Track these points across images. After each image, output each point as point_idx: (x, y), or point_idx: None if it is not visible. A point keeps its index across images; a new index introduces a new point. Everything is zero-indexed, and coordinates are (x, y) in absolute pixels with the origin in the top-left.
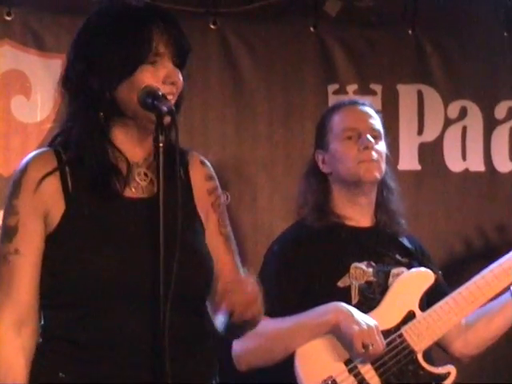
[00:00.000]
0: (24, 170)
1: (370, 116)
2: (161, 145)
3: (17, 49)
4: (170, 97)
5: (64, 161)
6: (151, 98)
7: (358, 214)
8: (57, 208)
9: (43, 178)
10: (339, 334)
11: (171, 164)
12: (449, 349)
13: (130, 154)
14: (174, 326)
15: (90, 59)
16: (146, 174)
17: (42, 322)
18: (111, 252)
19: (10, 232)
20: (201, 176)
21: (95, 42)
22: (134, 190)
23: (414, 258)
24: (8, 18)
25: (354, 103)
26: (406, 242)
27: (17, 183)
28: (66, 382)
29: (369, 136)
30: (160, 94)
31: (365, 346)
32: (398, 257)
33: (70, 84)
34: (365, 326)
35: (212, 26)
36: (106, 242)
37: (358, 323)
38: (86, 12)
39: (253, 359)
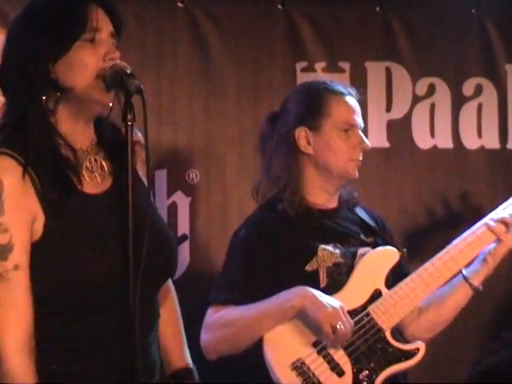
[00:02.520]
0: (0, 185)
1: (359, 111)
2: (129, 123)
3: None
4: None
5: (24, 164)
6: (119, 76)
7: (326, 198)
8: (39, 216)
9: (20, 184)
10: (305, 318)
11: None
12: (403, 332)
13: (77, 142)
14: (141, 312)
15: (24, 43)
16: (95, 160)
17: None
18: (94, 254)
19: (3, 250)
20: (136, 145)
21: (30, 25)
22: (89, 181)
23: (378, 236)
24: None
25: (350, 94)
26: (368, 219)
27: None
28: (59, 372)
29: (362, 134)
30: (128, 72)
31: (333, 328)
32: (362, 237)
33: (8, 76)
34: (330, 309)
35: (180, 5)
36: (85, 246)
37: (323, 306)
38: None
39: (221, 347)
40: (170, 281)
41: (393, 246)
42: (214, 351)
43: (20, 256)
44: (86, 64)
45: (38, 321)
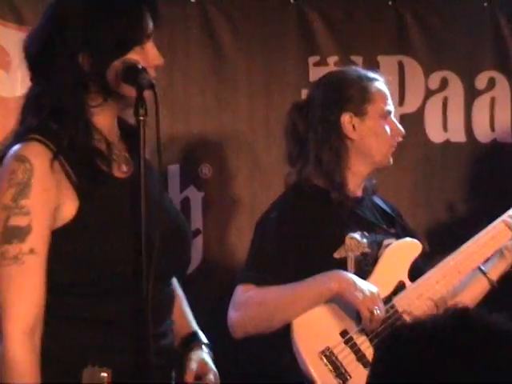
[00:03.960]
0: (29, 168)
1: None
2: (141, 118)
3: None
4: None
5: (56, 151)
6: (131, 71)
7: (357, 184)
8: (68, 201)
9: (49, 170)
10: (341, 303)
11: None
12: None
13: (108, 133)
14: (155, 300)
15: (84, 37)
16: (120, 152)
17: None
18: (120, 238)
19: (22, 232)
20: None
21: (89, 19)
22: (118, 169)
23: (398, 227)
24: None
25: (384, 80)
26: (387, 208)
27: (23, 183)
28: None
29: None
30: (140, 67)
31: (370, 312)
32: (385, 227)
33: (53, 61)
34: (368, 293)
35: (191, 0)
36: (116, 229)
37: (361, 290)
38: None
39: (250, 327)
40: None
41: (414, 237)
42: (243, 330)
43: (37, 241)
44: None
45: (63, 302)
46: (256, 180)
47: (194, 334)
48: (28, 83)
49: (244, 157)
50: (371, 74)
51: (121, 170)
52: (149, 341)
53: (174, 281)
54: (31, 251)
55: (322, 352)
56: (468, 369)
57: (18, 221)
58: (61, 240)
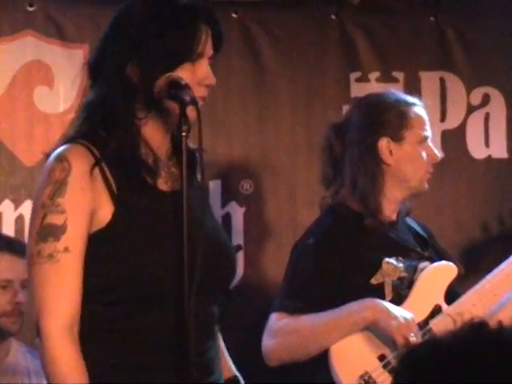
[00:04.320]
0: (67, 168)
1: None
2: (183, 134)
3: (39, 39)
4: (200, 102)
5: (99, 156)
6: (174, 88)
7: (392, 209)
8: (105, 206)
9: (88, 173)
10: (376, 330)
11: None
12: None
13: (156, 147)
14: (199, 317)
15: (134, 48)
16: (168, 166)
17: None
18: (159, 249)
19: (57, 231)
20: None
21: (142, 31)
22: (166, 184)
23: (432, 250)
24: (30, 9)
25: (422, 105)
26: (420, 230)
27: (61, 181)
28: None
29: (433, 146)
30: (183, 83)
31: (405, 339)
32: (420, 250)
33: (104, 70)
34: (403, 320)
35: (234, 15)
36: (153, 239)
37: (395, 318)
38: (108, 2)
39: (285, 355)
40: None
41: (449, 260)
42: (278, 358)
43: (72, 240)
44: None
45: (96, 311)
46: (297, 196)
47: (236, 381)
48: (70, 99)
49: (285, 173)
50: (410, 99)
51: (166, 183)
52: (190, 360)
53: None
54: (66, 250)
55: (361, 377)
56: (483, 382)
57: (53, 219)
58: (95, 245)
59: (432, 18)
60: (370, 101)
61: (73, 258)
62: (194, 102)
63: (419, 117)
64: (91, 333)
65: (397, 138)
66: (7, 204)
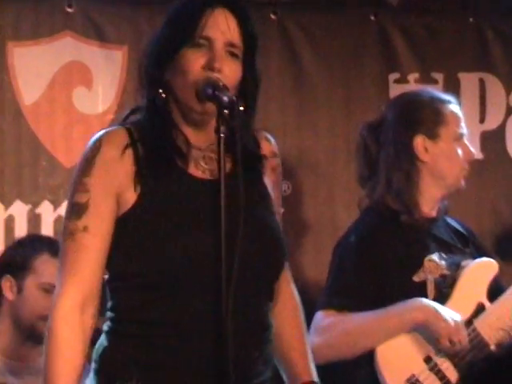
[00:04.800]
0: (97, 148)
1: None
2: (222, 135)
3: (78, 40)
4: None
5: (136, 139)
6: (211, 88)
7: (431, 206)
8: (132, 188)
9: (117, 156)
10: (422, 330)
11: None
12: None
13: (192, 137)
14: (240, 311)
15: (149, 43)
16: (210, 158)
17: (110, 304)
18: (187, 234)
19: (79, 209)
20: (266, 152)
21: (161, 25)
22: (198, 171)
23: (472, 247)
24: (69, 10)
25: (457, 103)
26: (460, 228)
27: (89, 161)
28: (137, 362)
29: (468, 143)
30: (222, 84)
31: (451, 343)
32: (461, 247)
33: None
34: (452, 323)
35: (272, 16)
36: (181, 223)
37: (445, 320)
38: (147, 3)
39: (331, 353)
40: (290, 288)
41: (490, 256)
42: (323, 356)
43: (92, 220)
44: (185, 70)
45: (119, 297)
46: (336, 197)
47: None
48: (109, 100)
49: (324, 174)
50: (445, 96)
51: (204, 172)
52: (227, 363)
53: (298, 310)
54: (84, 229)
55: (408, 380)
56: None
57: (79, 197)
58: (121, 228)
59: (471, 19)
60: (405, 99)
61: (91, 238)
62: (231, 103)
63: (454, 114)
64: (116, 321)
65: (432, 135)
66: (46, 205)
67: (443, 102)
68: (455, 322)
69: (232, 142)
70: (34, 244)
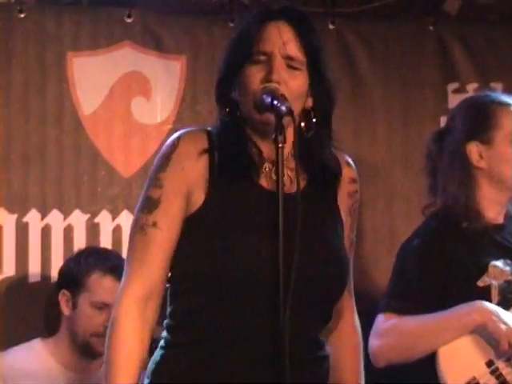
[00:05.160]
0: (176, 145)
1: None
2: (280, 145)
3: (137, 50)
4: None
5: (215, 144)
6: (269, 97)
7: (497, 211)
8: (201, 190)
9: (193, 155)
10: (484, 334)
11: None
12: None
13: (266, 150)
14: (296, 327)
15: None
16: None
17: (169, 310)
18: (247, 242)
19: (151, 204)
20: (345, 177)
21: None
22: (268, 184)
23: None
24: (128, 20)
25: None
26: None
27: (166, 157)
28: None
29: None
30: (279, 93)
31: (510, 346)
32: None
33: None
34: (511, 325)
35: (330, 26)
36: (243, 231)
37: (505, 323)
38: (206, 13)
39: (392, 356)
40: (353, 319)
41: None
42: (385, 359)
43: (162, 215)
44: (245, 86)
45: (178, 301)
46: (394, 209)
47: None
48: (168, 110)
49: (381, 185)
50: (503, 98)
51: (273, 184)
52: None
53: (358, 342)
54: (154, 224)
55: (469, 382)
56: None
57: (152, 192)
58: (186, 228)
59: None
60: (464, 105)
61: (160, 234)
62: (290, 112)
63: (510, 116)
64: (172, 328)
65: (486, 140)
66: (105, 215)
67: (497, 103)
68: None
69: (307, 157)
70: (88, 261)
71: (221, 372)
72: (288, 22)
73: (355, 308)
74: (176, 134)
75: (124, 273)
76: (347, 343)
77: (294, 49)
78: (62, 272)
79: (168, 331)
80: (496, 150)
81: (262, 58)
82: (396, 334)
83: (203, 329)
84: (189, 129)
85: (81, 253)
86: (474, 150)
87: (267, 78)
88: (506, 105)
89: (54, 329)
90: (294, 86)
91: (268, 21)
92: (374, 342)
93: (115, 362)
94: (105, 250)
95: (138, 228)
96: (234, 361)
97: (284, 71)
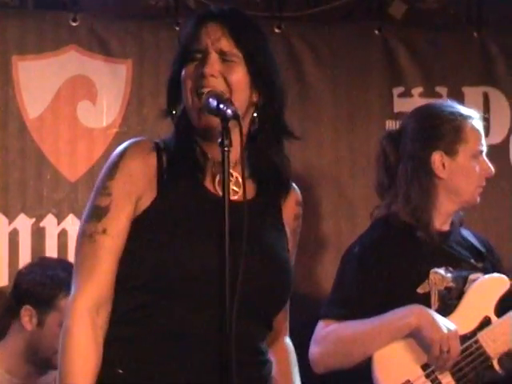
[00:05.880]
0: (123, 154)
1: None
2: (226, 149)
3: (82, 54)
4: (204, 89)
5: (161, 150)
6: (215, 101)
7: (443, 220)
8: (149, 193)
9: (141, 162)
10: (418, 337)
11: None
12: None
13: (210, 151)
14: (239, 332)
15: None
16: (230, 175)
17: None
18: (190, 243)
19: (100, 212)
20: (291, 198)
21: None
22: (214, 185)
23: (488, 262)
24: (74, 24)
25: (479, 118)
26: (477, 244)
27: (114, 165)
28: (123, 377)
29: (487, 160)
30: (225, 97)
31: (441, 351)
32: (473, 262)
33: None
34: (445, 331)
35: (277, 30)
36: (186, 232)
37: (439, 328)
38: (152, 17)
39: (331, 362)
40: (286, 339)
41: (503, 273)
42: (323, 365)
43: (112, 223)
44: (183, 83)
45: (118, 299)
46: (340, 212)
47: None
48: (114, 114)
49: (328, 189)
50: (467, 111)
51: (220, 188)
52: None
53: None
54: (104, 231)
55: None
56: None
57: (100, 201)
58: (134, 230)
59: (475, 33)
60: (426, 112)
61: (110, 241)
62: (235, 116)
63: (475, 130)
64: (115, 321)
65: (450, 151)
66: (51, 218)
67: (465, 117)
68: (449, 330)
69: (256, 160)
70: (54, 279)
71: (159, 368)
72: (222, 22)
73: (288, 330)
74: (124, 144)
75: (73, 281)
76: (281, 366)
77: (226, 44)
78: (24, 287)
79: (110, 325)
80: (459, 162)
81: (196, 56)
82: (333, 340)
83: (146, 324)
84: (136, 139)
85: (49, 272)
86: (437, 159)
87: (200, 72)
88: (473, 118)
89: (1, 335)
90: (232, 78)
91: (204, 22)
92: (313, 348)
93: (71, 373)
94: (65, 264)
95: (87, 237)
96: (173, 357)
97: (218, 65)
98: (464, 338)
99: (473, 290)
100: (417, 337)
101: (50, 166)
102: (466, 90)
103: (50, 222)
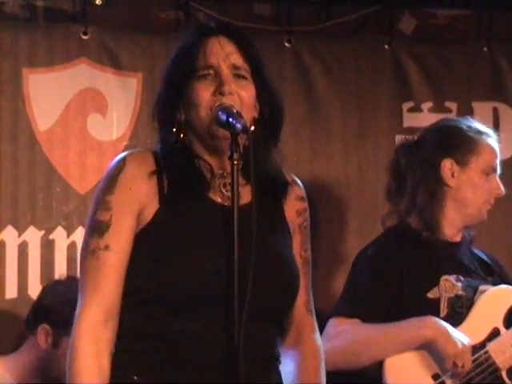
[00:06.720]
0: (121, 166)
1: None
2: (235, 163)
3: (93, 67)
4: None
5: (161, 163)
6: (225, 115)
7: (453, 232)
8: (152, 205)
9: (140, 175)
10: (431, 348)
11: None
12: None
13: (216, 165)
14: (249, 338)
15: (161, 87)
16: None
17: (120, 319)
18: (198, 255)
19: (102, 227)
20: (292, 194)
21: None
22: (219, 197)
23: (496, 276)
24: (84, 37)
25: (495, 137)
26: (485, 258)
27: (112, 178)
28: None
29: (499, 180)
30: (235, 111)
31: (455, 365)
32: (482, 274)
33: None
34: (460, 346)
35: (287, 44)
36: (193, 244)
37: (453, 342)
38: (162, 31)
39: (339, 361)
40: (315, 335)
41: None
42: (332, 363)
43: (114, 238)
44: (196, 103)
45: (125, 313)
46: (349, 226)
47: None
48: (124, 127)
49: (337, 202)
50: (484, 128)
51: (222, 198)
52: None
53: (319, 359)
54: (106, 247)
55: None
56: None
57: (101, 215)
58: (138, 243)
59: (485, 48)
60: (444, 124)
61: (113, 257)
62: (245, 130)
63: (490, 147)
64: (124, 334)
65: (462, 161)
66: (60, 231)
67: (481, 133)
68: (463, 345)
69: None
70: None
71: (173, 374)
72: (227, 36)
73: (316, 327)
74: (120, 155)
75: (79, 297)
76: (308, 361)
77: (238, 59)
78: (44, 304)
79: (117, 339)
80: (468, 174)
81: (208, 72)
82: (347, 338)
83: (157, 337)
84: (133, 150)
85: (67, 287)
86: (447, 166)
87: (220, 90)
88: (489, 135)
89: (15, 347)
90: (245, 96)
91: (207, 36)
92: (325, 344)
93: None
94: None
95: (90, 252)
96: (183, 369)
97: (233, 82)
98: (474, 349)
99: (482, 301)
100: (429, 348)
101: (59, 178)
102: (476, 104)
103: (59, 235)
